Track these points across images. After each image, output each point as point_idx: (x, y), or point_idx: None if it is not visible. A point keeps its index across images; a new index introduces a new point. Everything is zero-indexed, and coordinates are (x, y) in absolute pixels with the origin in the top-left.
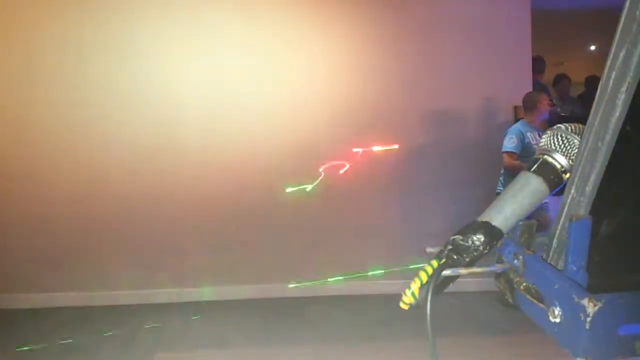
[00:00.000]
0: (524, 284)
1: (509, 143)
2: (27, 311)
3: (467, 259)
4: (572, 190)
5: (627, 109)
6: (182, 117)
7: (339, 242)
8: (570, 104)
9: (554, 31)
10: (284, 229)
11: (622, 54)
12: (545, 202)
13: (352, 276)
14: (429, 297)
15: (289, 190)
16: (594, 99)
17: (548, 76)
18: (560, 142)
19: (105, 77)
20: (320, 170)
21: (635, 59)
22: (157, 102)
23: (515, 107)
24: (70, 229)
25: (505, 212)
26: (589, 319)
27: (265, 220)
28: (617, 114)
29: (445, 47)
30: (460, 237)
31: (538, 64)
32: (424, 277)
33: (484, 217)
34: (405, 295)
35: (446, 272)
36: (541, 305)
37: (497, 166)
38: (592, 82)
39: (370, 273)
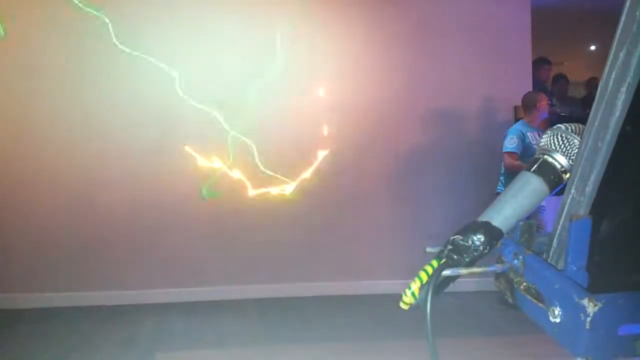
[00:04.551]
0: (524, 284)
1: (510, 143)
2: (28, 311)
3: (467, 259)
4: (572, 190)
5: (627, 109)
6: (183, 119)
7: (339, 243)
8: (568, 103)
9: (554, 31)
10: (285, 230)
11: (622, 54)
12: (541, 205)
13: None
14: (429, 297)
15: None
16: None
17: None
18: (560, 142)
19: (106, 79)
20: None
21: (635, 59)
22: (158, 103)
23: (515, 107)
24: (70, 230)
25: (505, 212)
26: (589, 319)
27: (266, 222)
28: (617, 114)
29: (445, 47)
30: (460, 237)
31: (545, 68)
32: (424, 277)
33: (484, 217)
34: (405, 295)
35: (446, 272)
36: (541, 305)
37: (497, 166)
38: (595, 85)
39: None
